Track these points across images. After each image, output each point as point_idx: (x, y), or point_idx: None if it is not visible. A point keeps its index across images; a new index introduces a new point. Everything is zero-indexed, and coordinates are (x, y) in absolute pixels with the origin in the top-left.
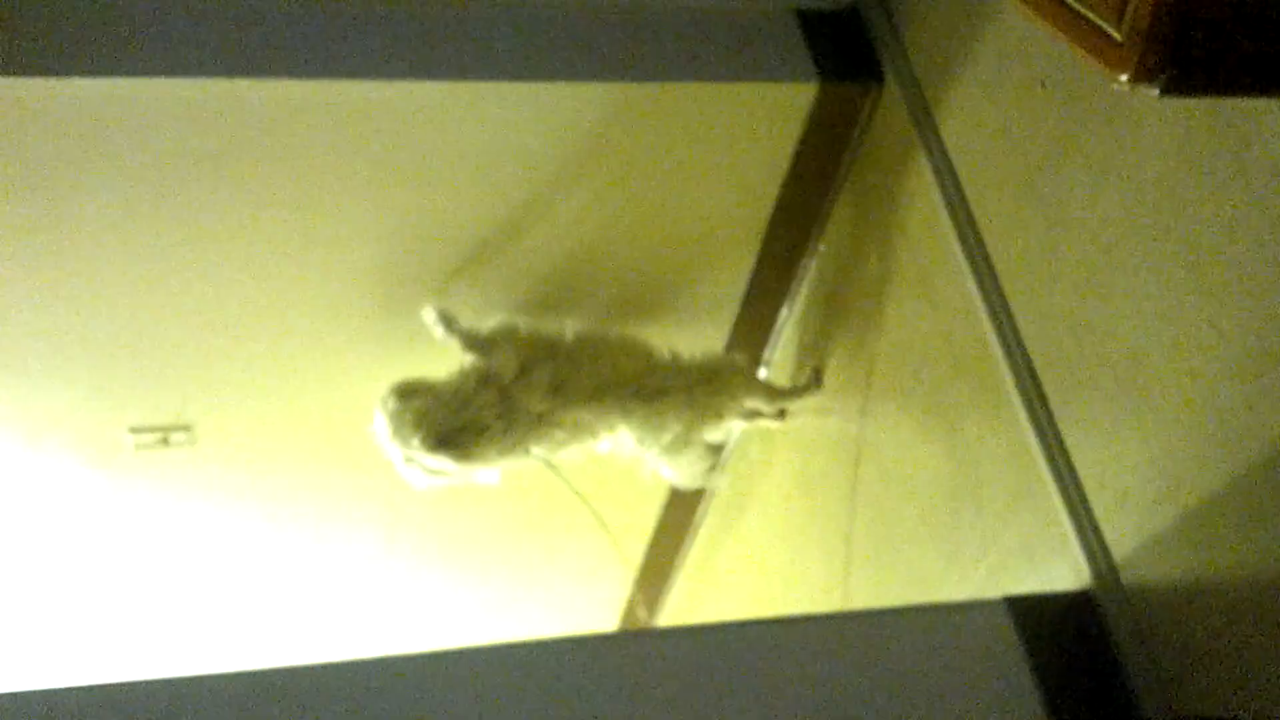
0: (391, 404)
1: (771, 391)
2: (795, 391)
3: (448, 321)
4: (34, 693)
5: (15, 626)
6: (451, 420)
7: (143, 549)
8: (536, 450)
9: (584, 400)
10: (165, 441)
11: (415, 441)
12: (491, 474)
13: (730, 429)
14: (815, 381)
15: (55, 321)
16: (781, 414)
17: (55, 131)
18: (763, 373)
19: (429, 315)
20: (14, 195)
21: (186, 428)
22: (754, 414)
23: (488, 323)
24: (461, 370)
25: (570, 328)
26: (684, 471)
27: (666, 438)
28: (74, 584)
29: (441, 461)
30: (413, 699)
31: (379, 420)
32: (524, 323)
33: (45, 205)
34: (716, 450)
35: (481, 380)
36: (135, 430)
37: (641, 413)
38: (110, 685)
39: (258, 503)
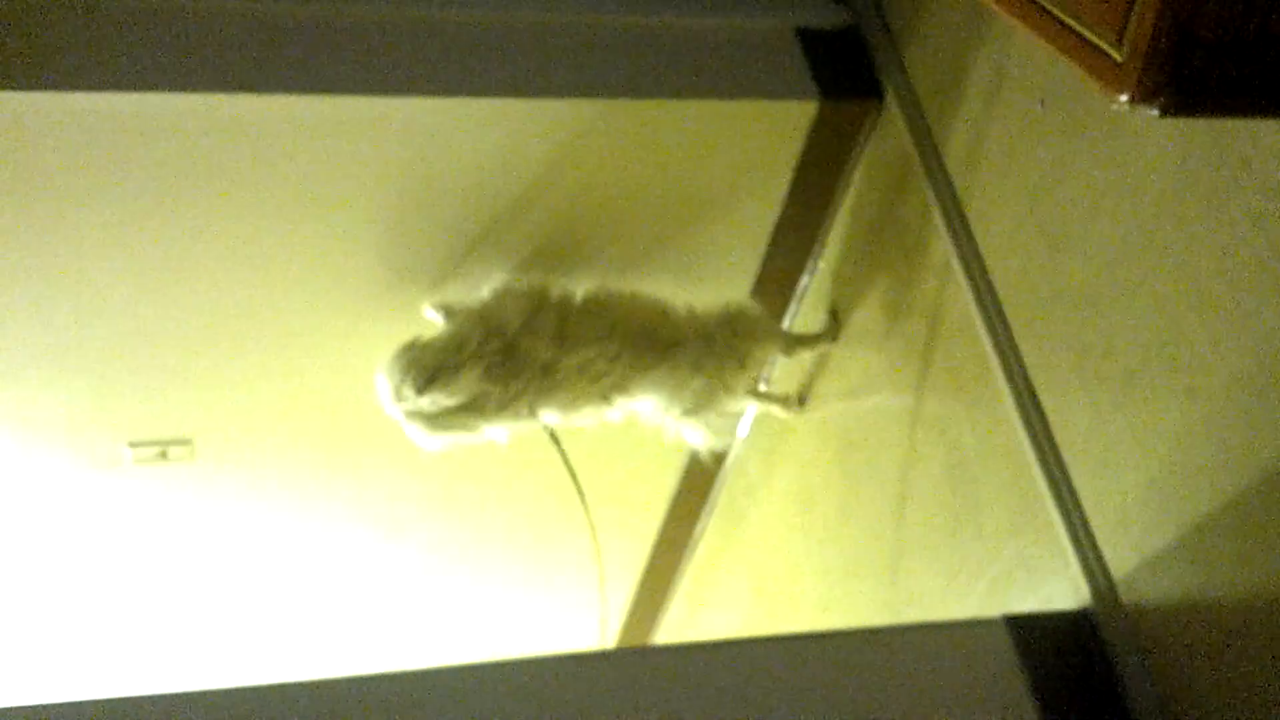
0: (390, 359)
1: (790, 337)
2: (814, 338)
3: (447, 310)
4: (34, 708)
5: (13, 640)
6: (442, 359)
7: (141, 563)
8: (544, 413)
9: (592, 343)
10: (164, 455)
11: (407, 389)
12: (499, 433)
13: (749, 385)
14: (834, 325)
15: (52, 335)
16: (801, 401)
17: (54, 145)
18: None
19: (429, 314)
20: (10, 208)
21: (185, 442)
22: (766, 397)
23: (485, 288)
24: (465, 322)
25: (580, 287)
26: (707, 431)
27: (688, 397)
28: (72, 598)
29: (435, 400)
30: (410, 717)
31: (380, 381)
32: (529, 278)
33: (42, 219)
34: (739, 411)
35: (487, 331)
36: (134, 444)
37: (660, 369)
38: (106, 701)
39: (257, 517)
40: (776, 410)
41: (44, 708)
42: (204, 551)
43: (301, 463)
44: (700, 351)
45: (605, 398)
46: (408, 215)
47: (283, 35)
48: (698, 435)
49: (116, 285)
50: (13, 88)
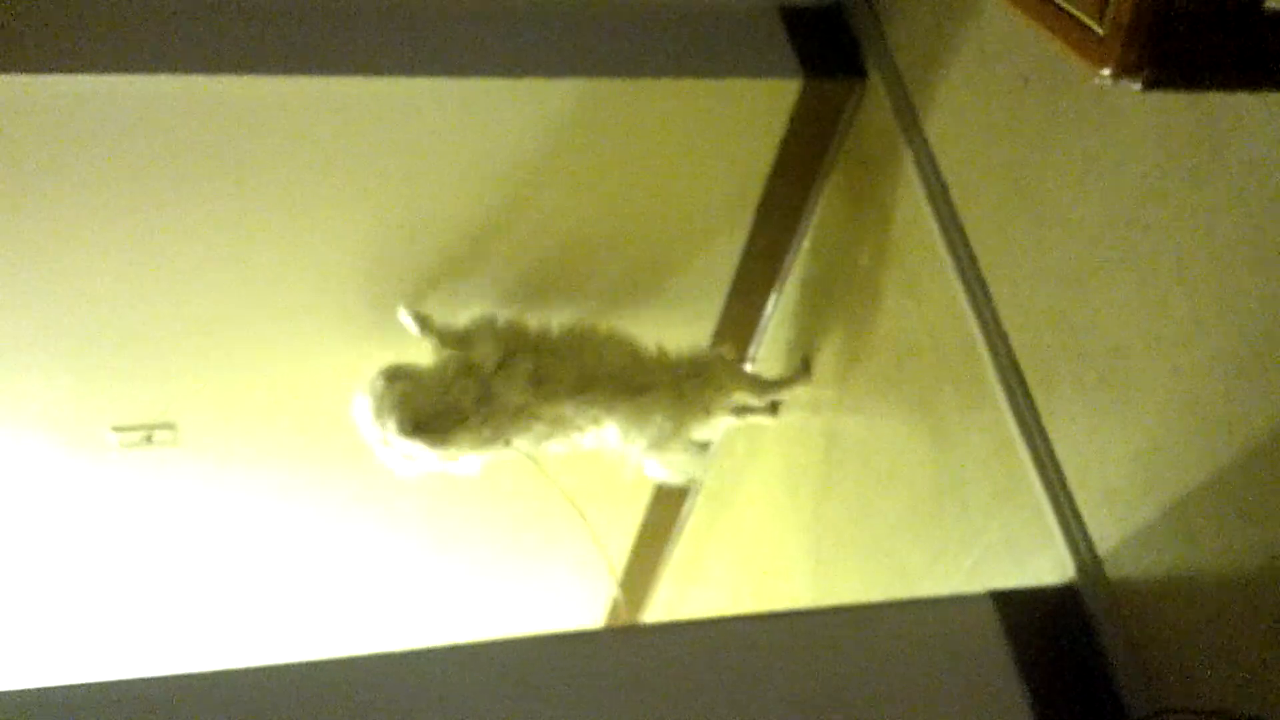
0: (378, 386)
1: (759, 383)
2: (784, 383)
3: (422, 321)
4: (22, 692)
5: (1, 626)
6: (430, 405)
7: (128, 548)
8: (518, 442)
9: (567, 393)
10: (149, 440)
11: (393, 425)
12: (471, 465)
13: (718, 426)
14: (804, 371)
15: (36, 321)
16: (773, 409)
17: (38, 128)
18: (749, 368)
19: (403, 316)
20: None
21: (170, 426)
22: (744, 410)
23: (465, 315)
24: (443, 358)
25: (555, 322)
26: (669, 468)
27: (652, 433)
28: (59, 583)
29: (416, 447)
30: (397, 697)
31: (361, 402)
32: (503, 315)
33: (25, 203)
34: (703, 447)
35: (462, 369)
36: (118, 429)
37: (626, 408)
38: (92, 685)
39: (242, 501)
40: (759, 420)
41: (33, 692)
42: (191, 535)
43: (286, 446)
44: (669, 399)
45: (578, 430)
46: (391, 199)
47: (266, 15)
48: (659, 470)
49: (100, 271)
50: None
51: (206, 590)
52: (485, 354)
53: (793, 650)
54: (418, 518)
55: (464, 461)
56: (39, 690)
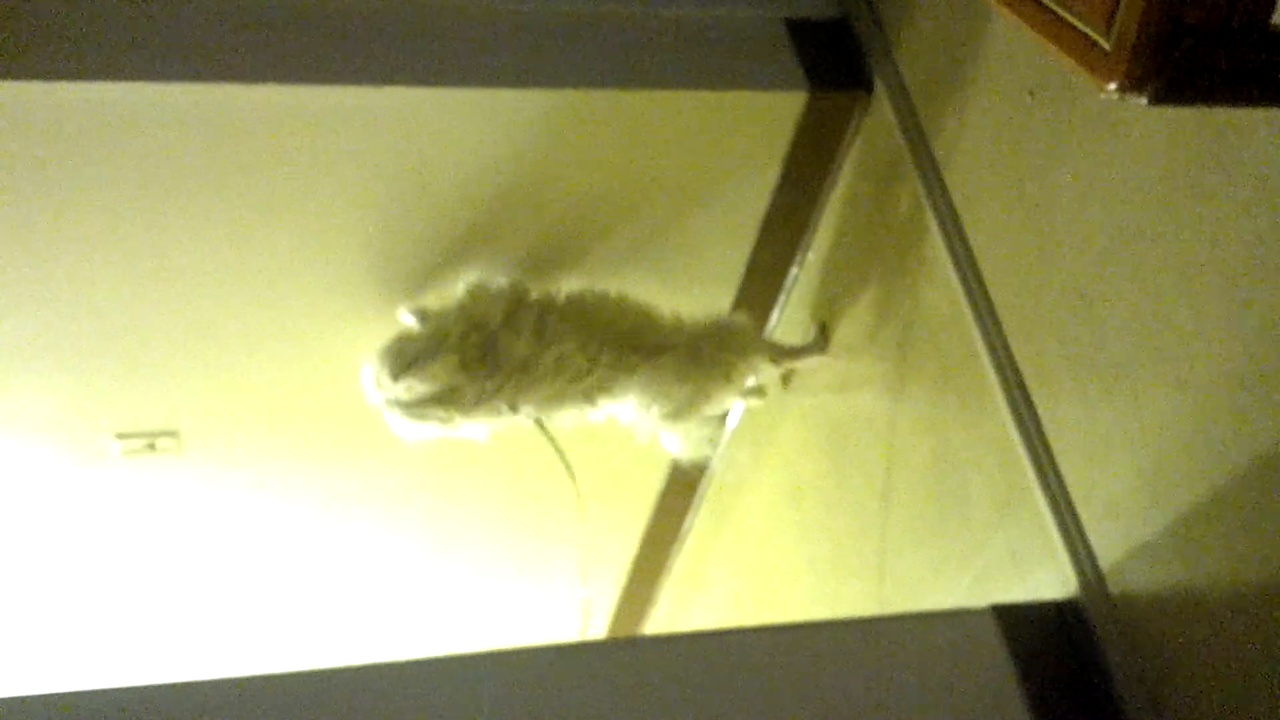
0: (377, 350)
1: (777, 349)
2: (802, 350)
3: (423, 315)
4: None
5: (3, 633)
6: (419, 349)
7: (130, 555)
8: (527, 408)
9: (573, 343)
10: (152, 447)
11: (384, 377)
12: (477, 428)
13: (733, 403)
14: (822, 339)
15: (39, 328)
16: (786, 380)
17: (43, 136)
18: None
19: (404, 317)
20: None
21: (173, 433)
22: (755, 391)
23: (459, 284)
24: (445, 317)
25: (564, 288)
26: (685, 441)
27: (671, 400)
28: (62, 591)
29: (410, 387)
30: (399, 707)
31: (366, 372)
32: (511, 276)
33: (27, 210)
34: (718, 422)
35: (467, 324)
36: (121, 436)
37: (644, 369)
38: (94, 692)
39: (245, 508)
40: (771, 387)
41: (35, 699)
42: (194, 543)
43: (289, 454)
44: (686, 360)
45: (587, 397)
46: (394, 207)
47: (268, 24)
48: (675, 443)
49: (103, 278)
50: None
51: (209, 597)
52: (489, 309)
53: (794, 663)
54: (420, 524)
55: (469, 427)
56: (42, 697)
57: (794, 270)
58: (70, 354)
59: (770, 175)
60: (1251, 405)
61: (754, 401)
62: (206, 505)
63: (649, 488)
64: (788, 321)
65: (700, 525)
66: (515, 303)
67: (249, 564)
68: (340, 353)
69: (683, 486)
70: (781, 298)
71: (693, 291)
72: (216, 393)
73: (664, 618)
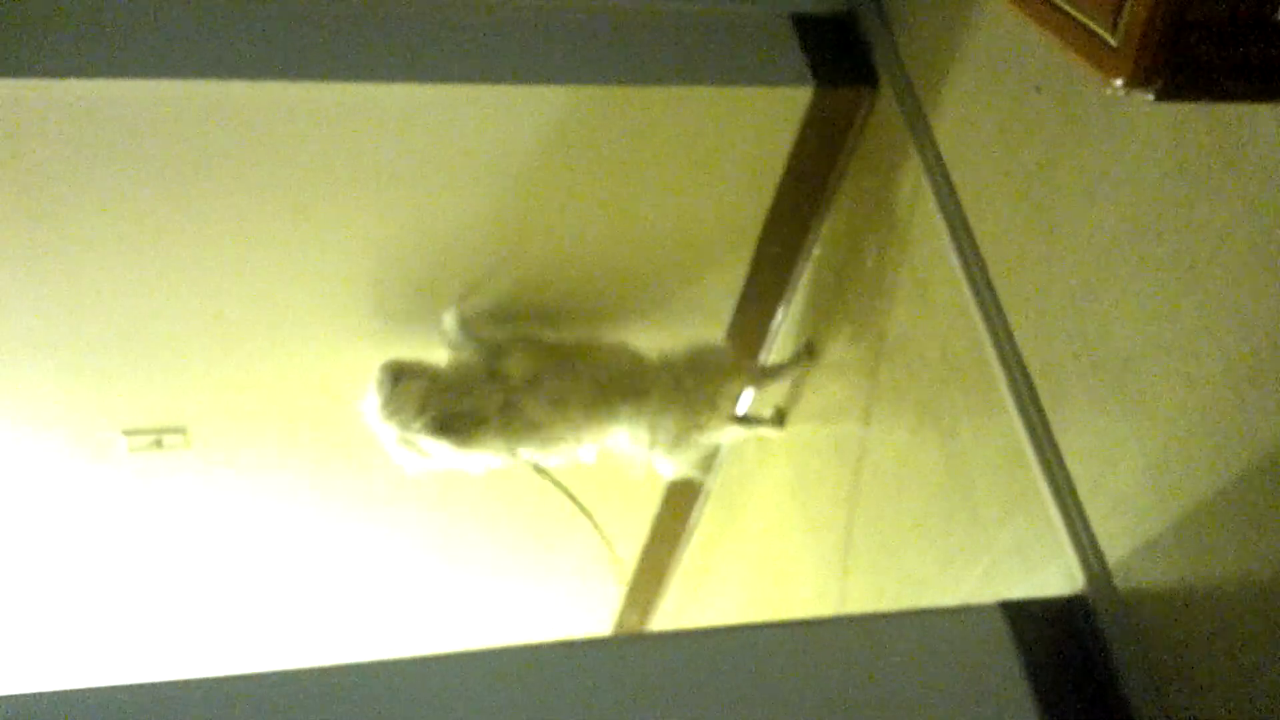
0: (390, 384)
1: (758, 371)
2: (785, 367)
3: (466, 327)
4: (32, 696)
5: (10, 629)
6: (454, 406)
7: (137, 551)
8: (525, 452)
9: (581, 411)
10: (159, 444)
11: (417, 425)
12: (478, 464)
13: (725, 432)
14: (806, 354)
15: (47, 325)
16: (779, 420)
17: (50, 133)
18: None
19: (449, 320)
20: (4, 197)
21: (180, 430)
22: (751, 421)
23: (502, 330)
24: (462, 361)
25: (570, 335)
26: (678, 465)
27: (660, 434)
28: (69, 586)
29: (440, 445)
30: (404, 703)
31: (371, 399)
32: (536, 333)
33: (37, 207)
34: (712, 449)
35: (488, 376)
36: (129, 432)
37: (630, 412)
38: (100, 689)
39: (252, 504)
40: (766, 431)
41: (40, 696)
42: (201, 539)
43: (296, 451)
44: (669, 393)
45: (583, 441)
46: (401, 205)
47: (276, 21)
48: (669, 467)
49: (111, 274)
50: (4, 74)
51: (216, 593)
52: (517, 369)
53: (800, 660)
54: (426, 520)
55: (474, 460)
56: (49, 694)
57: (801, 265)
58: (78, 350)
59: (775, 170)
60: (1258, 401)
61: (766, 431)
62: (213, 501)
63: (655, 485)
64: (795, 316)
65: (706, 522)
66: (537, 364)
67: (255, 560)
68: (348, 350)
69: (688, 485)
70: (789, 294)
71: (699, 289)
72: (224, 389)
73: (670, 614)
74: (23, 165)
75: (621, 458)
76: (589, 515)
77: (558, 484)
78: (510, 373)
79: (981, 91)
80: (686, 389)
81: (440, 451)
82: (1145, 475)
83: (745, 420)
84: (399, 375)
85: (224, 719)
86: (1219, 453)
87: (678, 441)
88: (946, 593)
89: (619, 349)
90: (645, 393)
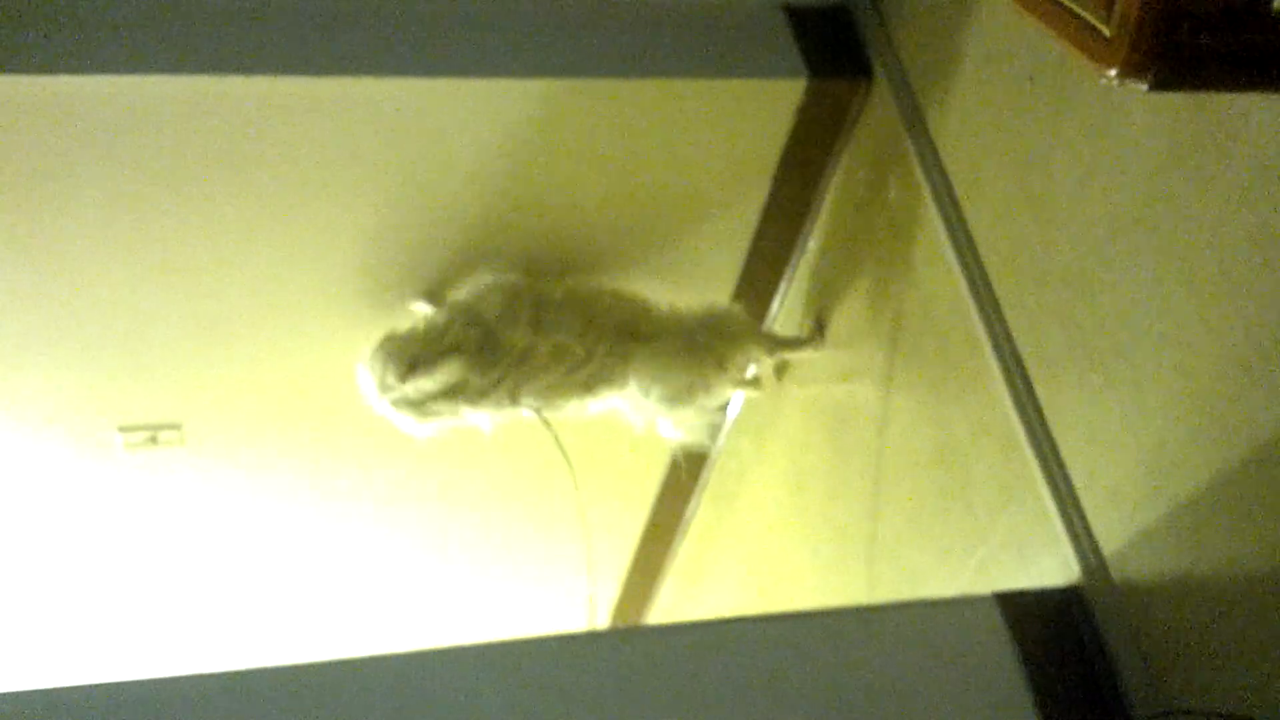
0: (379, 351)
1: (772, 340)
2: (797, 342)
3: (435, 299)
4: (26, 693)
5: (6, 627)
6: (423, 347)
7: (133, 548)
8: (528, 400)
9: (570, 333)
10: (154, 440)
11: (390, 378)
12: (482, 419)
13: (731, 392)
14: (817, 333)
15: (43, 321)
16: (780, 371)
17: (44, 128)
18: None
19: (419, 306)
20: (1, 192)
21: (175, 426)
22: (752, 383)
23: (469, 284)
24: (442, 314)
25: (561, 286)
26: (683, 428)
27: (668, 387)
28: (65, 583)
29: (419, 386)
30: (399, 698)
31: (366, 377)
32: (509, 275)
33: (31, 202)
34: (717, 411)
35: (466, 320)
36: (124, 429)
37: (641, 357)
38: (95, 686)
39: (248, 501)
40: (766, 369)
41: (37, 694)
42: (196, 536)
43: (292, 447)
44: (681, 348)
45: (586, 387)
46: (396, 199)
47: (268, 16)
48: (674, 430)
49: (105, 271)
50: (1, 70)
51: (211, 590)
52: (489, 303)
53: (797, 651)
54: (423, 517)
55: (473, 417)
56: (43, 691)
57: (795, 258)
58: (73, 347)
59: (769, 164)
60: (1253, 391)
61: (751, 392)
62: (209, 498)
63: (650, 478)
64: (790, 309)
65: (702, 515)
66: (512, 296)
67: (251, 557)
68: (343, 345)
69: (684, 477)
70: (783, 285)
71: (693, 281)
72: (219, 386)
73: (667, 608)
74: (15, 161)
75: (623, 419)
76: (575, 482)
77: (559, 443)
78: (484, 309)
79: (976, 82)
80: (698, 344)
81: (427, 391)
82: (1140, 465)
83: (748, 383)
84: (384, 341)
85: (219, 715)
86: (1214, 443)
87: (680, 396)
88: (942, 584)
89: (622, 293)
90: (655, 335)
